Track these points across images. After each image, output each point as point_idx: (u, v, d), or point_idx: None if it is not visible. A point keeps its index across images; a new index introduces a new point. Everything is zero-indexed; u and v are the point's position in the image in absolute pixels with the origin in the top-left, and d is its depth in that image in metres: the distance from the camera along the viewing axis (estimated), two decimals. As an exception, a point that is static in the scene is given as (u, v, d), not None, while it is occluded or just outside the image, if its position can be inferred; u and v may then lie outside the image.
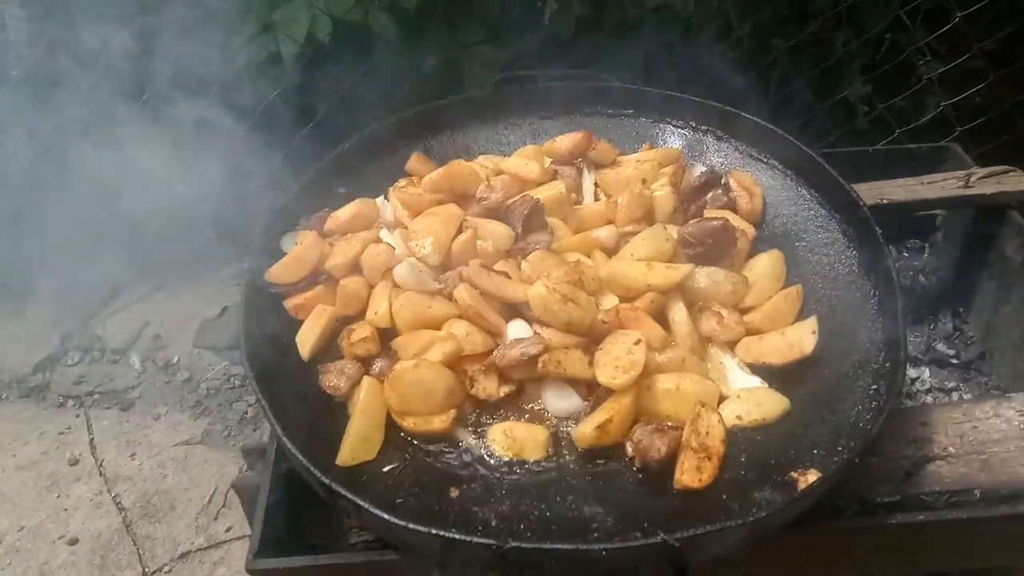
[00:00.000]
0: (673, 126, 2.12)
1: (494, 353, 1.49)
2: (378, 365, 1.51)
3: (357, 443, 1.40)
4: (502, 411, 1.50)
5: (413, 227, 1.68)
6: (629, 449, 1.41)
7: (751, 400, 1.46)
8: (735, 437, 1.42)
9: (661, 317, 1.56)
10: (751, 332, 1.59)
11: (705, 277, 1.62)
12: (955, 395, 1.99)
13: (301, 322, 1.62)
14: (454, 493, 1.36)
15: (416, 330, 1.53)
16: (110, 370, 2.94)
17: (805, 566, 1.48)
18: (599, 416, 1.41)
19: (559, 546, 1.14)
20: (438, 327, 1.55)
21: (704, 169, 1.95)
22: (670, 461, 1.36)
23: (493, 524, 1.27)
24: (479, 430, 1.47)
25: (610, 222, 1.75)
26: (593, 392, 1.48)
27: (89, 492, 2.48)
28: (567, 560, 1.14)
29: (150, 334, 3.07)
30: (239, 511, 2.44)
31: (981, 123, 2.79)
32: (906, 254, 2.34)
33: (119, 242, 3.25)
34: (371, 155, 2.04)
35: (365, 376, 1.48)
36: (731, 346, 1.58)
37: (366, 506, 1.19)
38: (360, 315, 1.61)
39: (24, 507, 2.44)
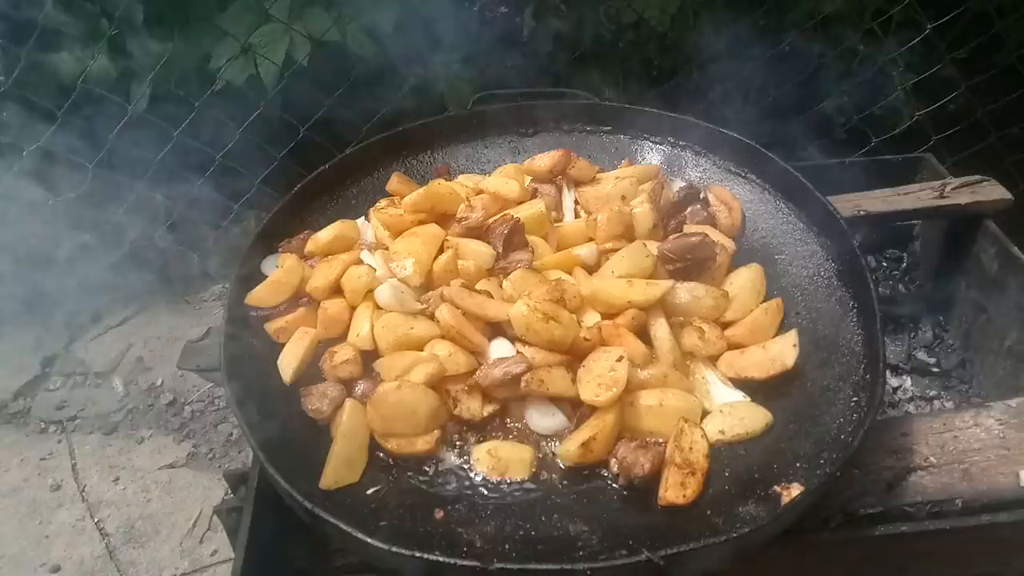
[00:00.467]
0: (652, 142, 2.15)
1: (477, 373, 1.49)
2: (360, 387, 1.51)
3: (340, 466, 1.39)
4: (486, 430, 1.50)
5: (394, 248, 1.68)
6: (613, 466, 1.42)
7: (734, 415, 1.47)
8: (718, 452, 1.43)
9: (643, 333, 1.57)
10: (732, 346, 1.60)
11: (686, 292, 1.63)
12: (936, 403, 2.01)
13: (283, 345, 1.61)
14: (439, 515, 1.35)
15: (398, 351, 1.52)
16: (93, 394, 2.91)
17: (787, 567, 1.48)
18: (583, 434, 1.41)
19: (544, 566, 1.14)
20: (420, 348, 1.54)
21: (683, 184, 1.96)
22: (654, 477, 1.37)
23: (478, 545, 1.27)
24: (463, 450, 1.47)
25: (590, 239, 1.76)
26: (577, 410, 1.48)
27: (71, 518, 2.45)
28: (552, 579, 1.14)
29: (133, 356, 3.05)
30: (224, 534, 2.41)
31: (956, 132, 2.83)
32: (885, 264, 2.37)
33: (100, 264, 3.24)
34: (351, 176, 2.05)
35: (347, 399, 1.47)
36: (713, 361, 1.59)
37: (349, 530, 1.18)
38: (342, 337, 1.61)
39: (5, 535, 2.40)
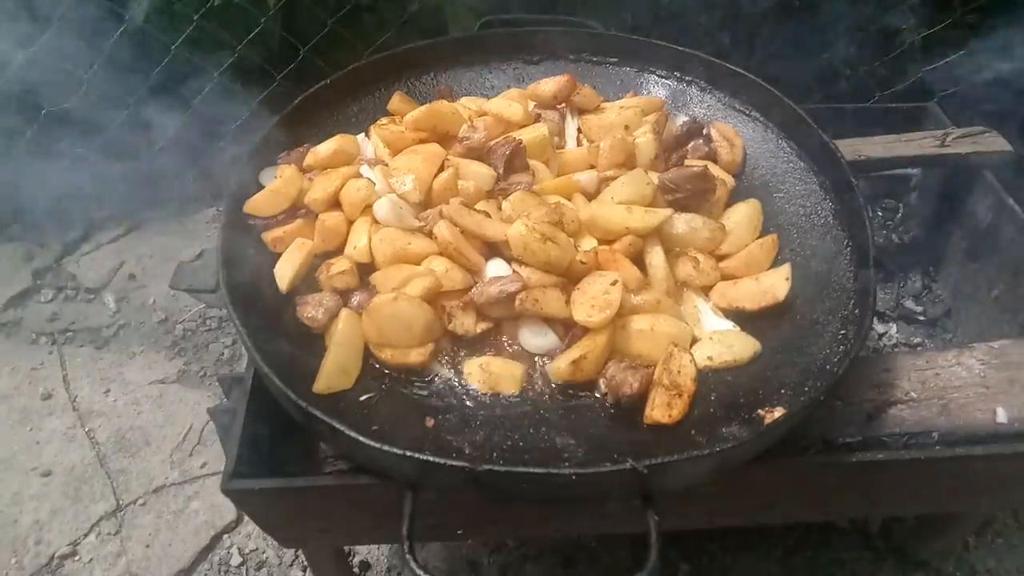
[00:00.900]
0: (657, 76, 2.13)
1: (472, 290, 1.50)
2: (356, 298, 1.52)
3: (334, 372, 1.41)
4: (479, 347, 1.52)
5: (394, 164, 1.68)
6: (602, 385, 1.44)
7: (723, 342, 1.50)
8: (706, 377, 1.46)
9: (639, 261, 1.58)
10: (726, 278, 1.62)
11: (683, 223, 1.64)
12: (920, 350, 2.04)
13: (279, 255, 1.61)
14: (429, 423, 1.38)
15: (395, 265, 1.53)
16: (84, 308, 2.91)
17: (768, 502, 1.53)
18: (574, 352, 1.43)
19: (531, 470, 1.16)
20: (417, 263, 1.55)
21: (686, 119, 1.95)
22: (641, 398, 1.40)
23: (467, 452, 1.30)
24: (456, 364, 1.49)
25: (592, 167, 1.75)
26: (569, 331, 1.50)
27: (62, 426, 2.48)
28: (538, 483, 1.17)
29: (125, 274, 3.04)
30: (214, 449, 2.46)
31: (960, 90, 2.81)
32: (880, 213, 2.38)
33: (95, 180, 3.21)
34: (353, 93, 2.02)
35: (343, 308, 1.49)
36: (706, 291, 1.61)
37: (342, 428, 1.20)
38: (339, 250, 1.61)
39: (-4, 439, 2.43)
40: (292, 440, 1.53)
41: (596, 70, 2.16)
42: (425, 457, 1.18)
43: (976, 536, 2.22)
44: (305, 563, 2.13)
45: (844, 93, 3.04)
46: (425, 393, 1.44)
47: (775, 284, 1.55)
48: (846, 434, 1.44)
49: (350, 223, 1.63)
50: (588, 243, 1.60)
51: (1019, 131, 2.15)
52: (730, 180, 1.81)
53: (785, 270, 1.56)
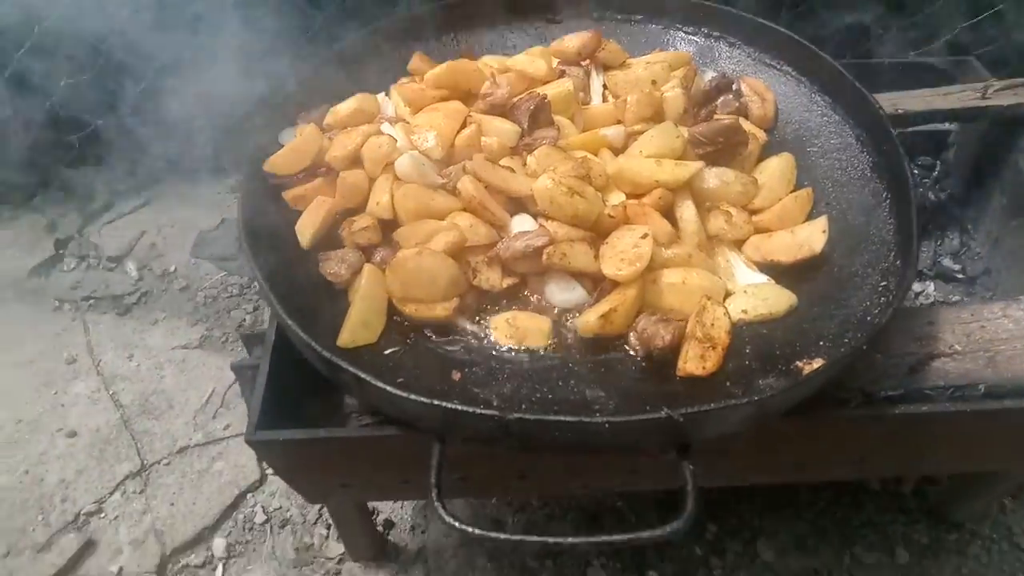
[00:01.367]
0: (684, 32, 2.06)
1: (498, 245, 1.46)
2: (379, 254, 1.49)
3: (358, 326, 1.39)
4: (504, 303, 1.48)
5: (415, 121, 1.64)
6: (632, 339, 1.41)
7: (757, 295, 1.45)
8: (740, 331, 1.42)
9: (669, 215, 1.53)
10: (760, 232, 1.57)
11: (714, 177, 1.59)
12: (963, 303, 1.97)
13: (300, 213, 1.58)
14: (456, 376, 1.35)
15: (419, 220, 1.49)
16: (106, 277, 2.91)
17: (804, 458, 1.49)
18: (603, 306, 1.39)
19: (563, 418, 1.13)
20: (441, 219, 1.51)
21: (715, 75, 1.89)
22: (673, 351, 1.36)
23: (495, 403, 1.27)
24: (481, 319, 1.46)
25: (618, 122, 1.70)
26: (597, 286, 1.46)
27: (87, 390, 2.49)
28: (570, 432, 1.14)
29: (146, 243, 3.03)
30: (236, 411, 2.46)
31: (997, 47, 2.71)
32: (917, 171, 2.30)
33: (115, 150, 3.20)
34: (372, 53, 1.98)
35: (366, 263, 1.46)
36: (738, 246, 1.56)
37: (368, 378, 1.18)
38: (361, 208, 1.58)
39: (22, 401, 2.44)
40: (316, 397, 1.51)
41: (621, 28, 2.10)
42: (454, 406, 1.15)
43: (1013, 499, 2.17)
44: (329, 521, 2.13)
45: (877, 53, 2.96)
46: (450, 348, 1.41)
47: (811, 236, 1.50)
48: (887, 387, 1.40)
49: (371, 181, 1.59)
50: (616, 199, 1.55)
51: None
52: (762, 135, 1.75)
53: (822, 222, 1.51)
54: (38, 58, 2.72)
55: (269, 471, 2.30)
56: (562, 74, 1.83)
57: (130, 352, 2.63)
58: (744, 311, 1.43)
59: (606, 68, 1.88)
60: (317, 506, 2.18)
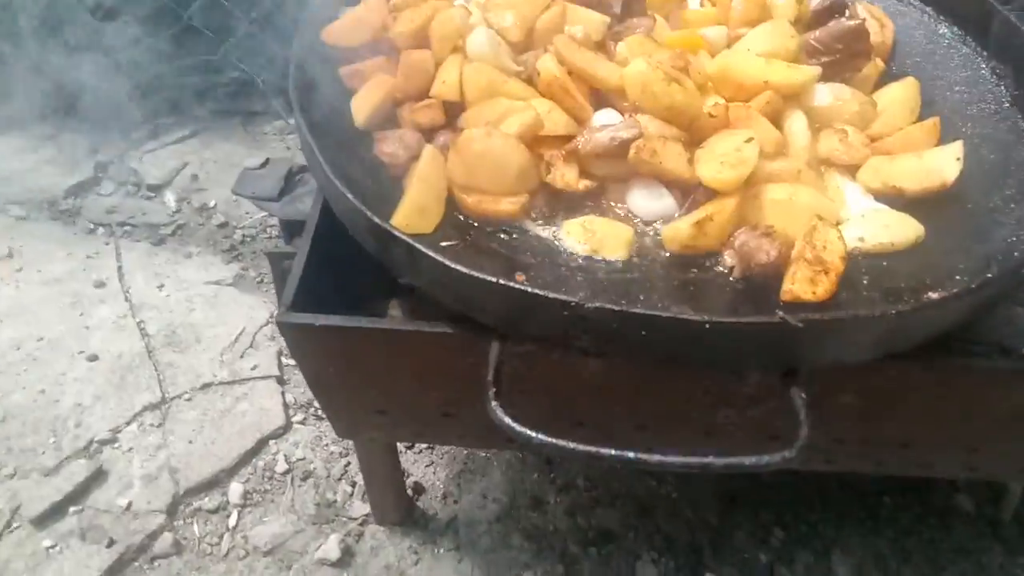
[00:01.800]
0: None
1: (578, 138, 1.28)
2: (442, 137, 1.31)
3: (412, 212, 1.20)
4: (579, 208, 1.29)
5: (493, 1, 1.46)
6: (728, 257, 1.21)
7: (877, 221, 1.24)
8: (856, 261, 1.19)
9: (776, 125, 1.33)
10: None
11: (829, 93, 1.38)
12: None
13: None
14: (519, 277, 1.15)
15: (490, 100, 1.31)
16: (144, 205, 2.79)
17: (917, 428, 1.26)
18: (698, 213, 1.20)
19: (654, 312, 0.93)
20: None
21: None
22: (777, 272, 1.15)
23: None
24: (551, 223, 1.27)
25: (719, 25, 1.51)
26: (688, 196, 1.26)
27: (113, 315, 2.35)
28: (661, 332, 0.94)
29: (188, 175, 2.91)
30: (266, 352, 2.29)
31: None
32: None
33: (164, 83, 3.11)
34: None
35: (427, 145, 1.28)
36: (852, 173, 1.35)
37: (425, 250, 0.99)
38: (424, 93, 1.40)
39: (45, 320, 2.31)
40: (358, 309, 1.33)
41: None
42: (524, 287, 0.96)
43: None
44: (355, 479, 1.95)
45: None
46: (515, 248, 1.22)
47: (943, 163, 1.28)
48: (1029, 343, 1.17)
49: (438, 63, 1.42)
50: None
51: None
52: (880, 63, 1.54)
53: (956, 148, 1.29)
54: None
55: (296, 418, 2.13)
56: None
57: (161, 282, 2.49)
58: (861, 239, 1.22)
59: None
60: (343, 462, 2.00)
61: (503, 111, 1.28)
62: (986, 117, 1.44)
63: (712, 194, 1.24)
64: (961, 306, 1.01)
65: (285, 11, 2.71)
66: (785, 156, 1.29)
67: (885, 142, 1.38)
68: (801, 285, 1.11)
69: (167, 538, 1.83)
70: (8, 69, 2.96)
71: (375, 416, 1.35)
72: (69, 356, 2.22)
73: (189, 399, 2.15)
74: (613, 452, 0.87)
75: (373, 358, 1.19)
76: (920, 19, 1.65)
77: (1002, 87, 1.46)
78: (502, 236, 1.24)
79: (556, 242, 1.24)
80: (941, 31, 1.61)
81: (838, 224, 1.24)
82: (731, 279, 1.19)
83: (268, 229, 2.76)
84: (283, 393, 2.16)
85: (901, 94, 1.44)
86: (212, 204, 2.83)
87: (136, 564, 1.80)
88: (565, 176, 1.27)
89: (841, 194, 1.31)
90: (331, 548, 1.77)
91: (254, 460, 2.01)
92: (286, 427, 2.09)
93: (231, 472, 1.98)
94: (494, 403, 0.93)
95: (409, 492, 1.92)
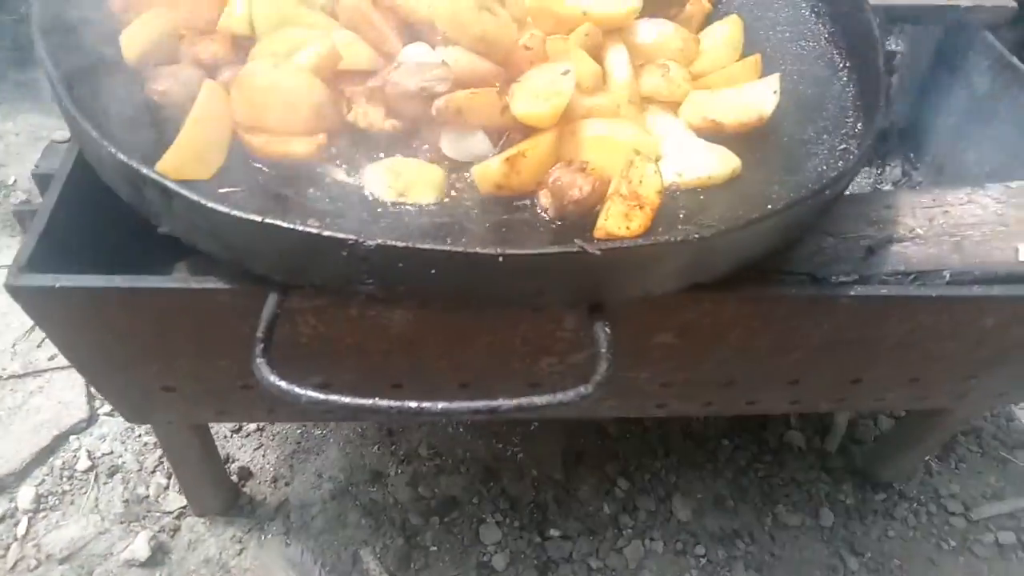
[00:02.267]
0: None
1: (385, 74, 1.15)
2: (227, 73, 1.15)
3: (187, 155, 1.04)
4: (386, 149, 1.17)
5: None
6: (543, 197, 1.13)
7: (695, 156, 1.20)
8: (674, 196, 1.16)
9: (596, 59, 1.26)
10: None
11: (651, 29, 1.33)
12: (924, 187, 1.81)
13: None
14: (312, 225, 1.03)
15: (281, 30, 1.16)
16: (-73, 180, 2.43)
17: (737, 363, 1.24)
18: (510, 151, 1.11)
19: (443, 247, 0.83)
20: (312, 36, 1.19)
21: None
22: (592, 209, 1.09)
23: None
24: (353, 167, 1.14)
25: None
26: (505, 135, 1.17)
27: None
28: (451, 267, 0.84)
29: (-17, 147, 2.57)
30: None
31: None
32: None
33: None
34: None
35: (207, 80, 1.12)
36: (675, 109, 1.31)
37: (176, 188, 0.84)
38: (209, 29, 1.23)
39: None
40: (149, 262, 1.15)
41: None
42: (293, 226, 0.83)
43: (939, 460, 2.03)
44: (171, 470, 1.75)
45: None
46: (310, 194, 1.09)
47: (761, 97, 1.25)
48: (840, 271, 1.16)
49: (226, -4, 1.25)
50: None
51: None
52: (706, 3, 1.52)
53: (773, 81, 1.27)
54: None
55: (103, 410, 1.90)
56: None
57: (-57, 263, 2.17)
58: (679, 173, 1.17)
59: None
60: (158, 452, 1.80)
61: (297, 43, 1.13)
62: (805, 54, 1.44)
63: (528, 132, 1.16)
64: (755, 233, 0.96)
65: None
66: (605, 91, 1.23)
67: (708, 79, 1.34)
68: (615, 220, 1.05)
69: (-60, 556, 1.59)
70: None
71: (162, 394, 1.18)
72: None
73: (-24, 394, 1.88)
74: (388, 403, 0.76)
75: (141, 325, 1.03)
76: (743, -38, 1.63)
77: (820, 25, 1.47)
78: (296, 180, 1.10)
79: (360, 187, 1.12)
80: (763, -27, 1.60)
81: (657, 159, 1.20)
82: (547, 219, 1.11)
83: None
84: (88, 384, 1.92)
85: (725, 32, 1.41)
86: (12, 181, 2.50)
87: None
88: (368, 115, 1.15)
89: (662, 130, 1.26)
90: (139, 547, 1.59)
91: (50, 459, 1.78)
92: (90, 420, 1.86)
93: (21, 475, 1.74)
94: (259, 360, 0.80)
95: (234, 478, 1.75)
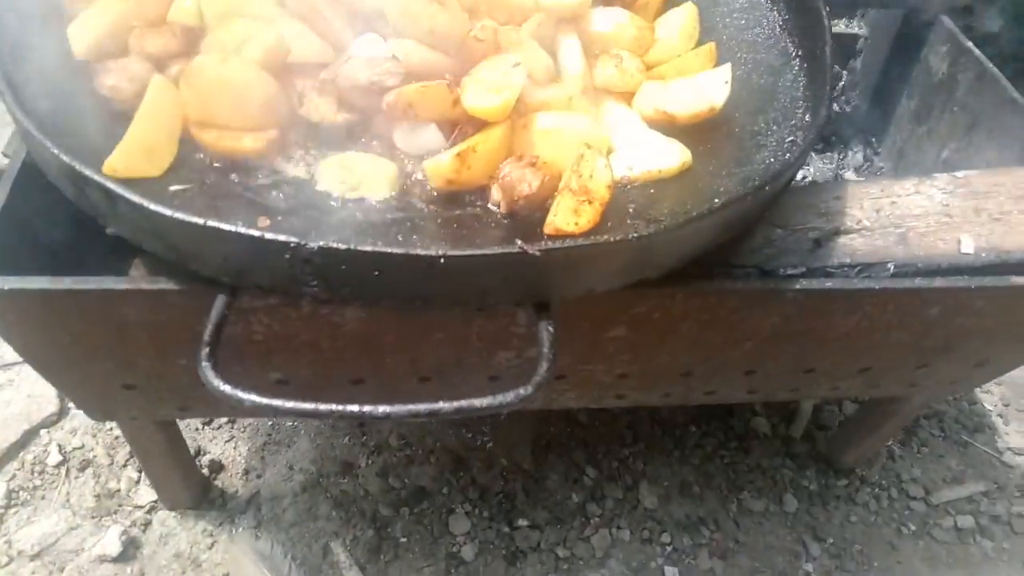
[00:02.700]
0: None
1: (336, 68, 1.15)
2: (177, 67, 1.15)
3: (135, 153, 1.04)
4: (339, 143, 1.17)
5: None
6: (494, 193, 1.13)
7: (646, 149, 1.21)
8: (624, 190, 1.17)
9: (549, 52, 1.26)
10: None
11: (605, 18, 1.33)
12: (873, 178, 1.83)
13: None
14: (263, 223, 1.03)
15: (231, 21, 1.16)
16: None
17: (692, 355, 1.26)
18: (461, 145, 1.11)
19: (384, 249, 0.84)
20: (263, 28, 1.18)
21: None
22: (542, 204, 1.10)
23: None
24: (307, 162, 1.15)
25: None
26: (457, 128, 1.18)
27: None
28: (394, 269, 0.85)
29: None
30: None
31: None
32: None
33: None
34: None
35: (156, 75, 1.11)
36: (628, 100, 1.32)
37: (131, 196, 0.85)
38: (163, 19, 1.23)
39: None
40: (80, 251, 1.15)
41: None
42: (235, 229, 0.84)
43: (902, 445, 2.07)
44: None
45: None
46: (260, 190, 1.09)
47: (712, 87, 1.26)
48: (787, 264, 1.19)
49: (179, -14, 1.24)
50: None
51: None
52: (659, -8, 1.52)
53: (724, 71, 1.28)
54: None
55: (71, 404, 1.90)
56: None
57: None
58: (630, 167, 1.18)
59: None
60: (129, 447, 1.81)
61: (247, 34, 1.13)
62: (760, 42, 1.45)
63: (480, 125, 1.16)
64: (697, 230, 0.98)
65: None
66: (557, 83, 1.23)
67: (661, 68, 1.35)
68: (564, 216, 1.06)
69: (-92, 554, 1.60)
70: None
71: (123, 392, 1.19)
72: None
73: (-62, 391, 1.88)
74: (333, 407, 0.78)
75: (95, 326, 1.03)
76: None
77: (775, 12, 1.47)
78: (248, 177, 1.11)
79: (312, 183, 1.12)
80: (720, -42, 1.60)
81: (608, 153, 1.21)
82: (499, 214, 1.12)
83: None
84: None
85: (680, 20, 1.42)
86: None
87: None
88: (320, 108, 1.15)
89: (615, 122, 1.27)
90: (111, 542, 1.60)
91: (21, 454, 1.78)
92: (60, 413, 1.86)
93: (-8, 471, 1.75)
94: (205, 363, 0.81)
95: (205, 471, 1.76)
